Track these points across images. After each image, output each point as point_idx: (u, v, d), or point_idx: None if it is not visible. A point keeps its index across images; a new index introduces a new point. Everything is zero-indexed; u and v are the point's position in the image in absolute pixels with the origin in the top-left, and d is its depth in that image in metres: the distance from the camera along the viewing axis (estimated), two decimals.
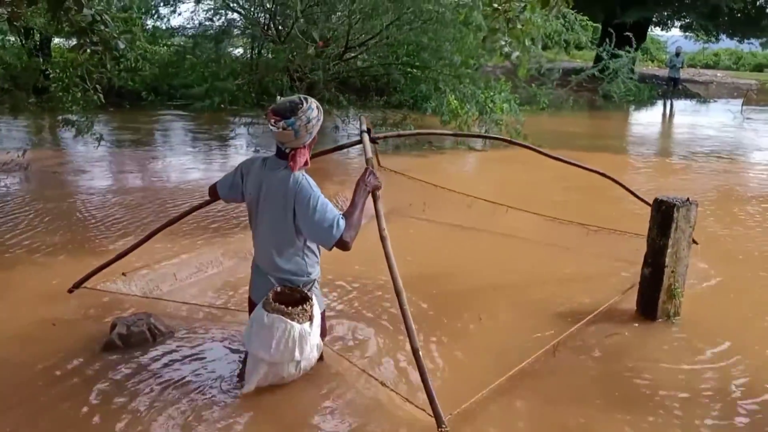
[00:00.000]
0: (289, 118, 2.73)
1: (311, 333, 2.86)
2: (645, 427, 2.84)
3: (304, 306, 2.85)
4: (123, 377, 3.09)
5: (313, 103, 2.82)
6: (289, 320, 2.78)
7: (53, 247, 4.99)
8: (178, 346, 3.40)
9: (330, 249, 2.80)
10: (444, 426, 2.62)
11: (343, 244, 2.77)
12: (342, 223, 2.76)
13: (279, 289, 2.90)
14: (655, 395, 3.08)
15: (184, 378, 3.09)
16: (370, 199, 3.04)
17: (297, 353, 2.83)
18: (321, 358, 3.13)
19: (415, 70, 11.08)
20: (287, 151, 2.82)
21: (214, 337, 3.53)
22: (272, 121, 2.74)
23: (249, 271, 3.15)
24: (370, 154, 3.33)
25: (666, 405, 3.00)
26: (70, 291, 3.95)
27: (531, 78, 11.66)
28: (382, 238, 2.99)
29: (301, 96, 2.84)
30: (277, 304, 2.81)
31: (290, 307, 2.81)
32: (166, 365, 3.21)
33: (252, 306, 3.09)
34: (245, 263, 3.97)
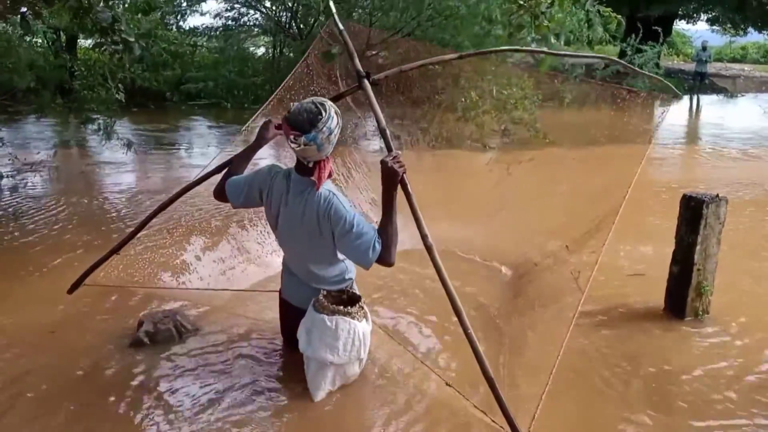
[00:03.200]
0: (310, 133, 2.56)
1: (369, 330, 2.88)
2: (674, 426, 2.79)
3: (360, 304, 2.86)
4: (150, 373, 3.12)
5: (332, 109, 2.63)
6: (351, 320, 2.78)
7: (82, 245, 5.06)
8: (204, 344, 3.42)
9: (368, 266, 2.71)
10: None
11: (383, 264, 2.69)
12: (378, 246, 2.63)
13: (325, 292, 2.89)
14: (683, 394, 3.03)
15: (210, 374, 3.11)
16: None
17: (362, 351, 2.84)
18: None
19: (436, 67, 11.02)
20: (310, 165, 2.72)
21: (240, 333, 3.53)
22: (292, 137, 2.57)
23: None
24: (378, 110, 2.87)
25: (693, 403, 2.95)
26: (69, 292, 3.59)
27: (554, 73, 11.52)
28: (427, 248, 2.60)
29: (317, 102, 2.62)
30: (333, 306, 2.80)
31: (349, 307, 2.81)
32: (191, 364, 3.22)
33: (282, 301, 3.12)
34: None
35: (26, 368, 3.15)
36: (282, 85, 4.15)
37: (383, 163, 2.66)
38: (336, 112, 2.65)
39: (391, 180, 2.65)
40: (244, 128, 3.81)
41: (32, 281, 4.37)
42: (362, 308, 2.88)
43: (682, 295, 3.76)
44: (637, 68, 4.44)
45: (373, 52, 11.05)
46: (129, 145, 7.76)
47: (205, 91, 14.38)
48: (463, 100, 10.11)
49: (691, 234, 3.67)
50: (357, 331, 2.79)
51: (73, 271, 4.38)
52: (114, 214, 6.05)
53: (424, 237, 2.59)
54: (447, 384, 2.95)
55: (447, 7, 10.08)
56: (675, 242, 3.79)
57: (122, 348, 3.35)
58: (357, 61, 3.09)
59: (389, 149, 2.74)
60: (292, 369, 3.09)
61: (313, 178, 2.72)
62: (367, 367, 3.06)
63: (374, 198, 4.74)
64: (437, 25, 10.05)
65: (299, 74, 4.27)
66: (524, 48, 5.84)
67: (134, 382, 3.04)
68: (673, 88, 4.51)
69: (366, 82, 3.02)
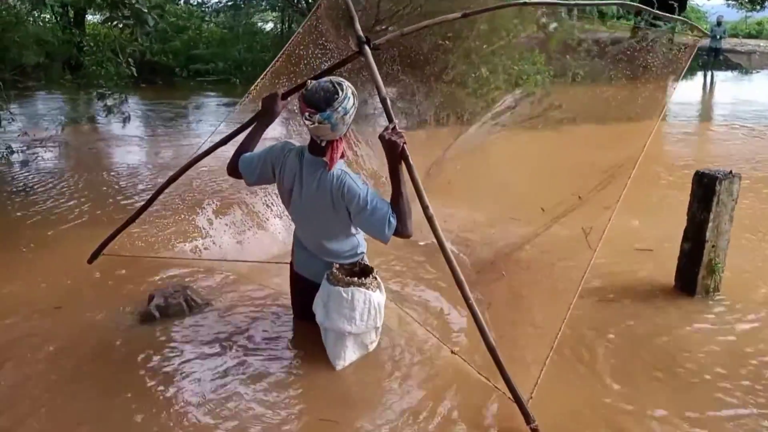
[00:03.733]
0: (325, 111, 2.55)
1: (384, 300, 2.95)
2: (685, 402, 2.78)
3: (373, 275, 2.93)
4: (162, 347, 3.15)
5: (349, 89, 2.61)
6: (366, 290, 2.85)
7: (90, 220, 5.11)
8: (215, 317, 3.45)
9: (386, 240, 2.72)
10: (534, 422, 2.45)
11: (401, 236, 2.72)
12: (393, 220, 2.65)
13: (338, 265, 2.94)
14: (691, 372, 3.02)
15: (222, 348, 3.13)
16: None
17: (378, 320, 2.93)
18: None
19: (446, 42, 10.89)
20: (323, 144, 2.71)
21: (252, 307, 3.56)
22: (306, 114, 2.57)
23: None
24: (378, 78, 2.77)
25: (703, 380, 2.95)
26: (90, 262, 3.77)
27: (566, 49, 11.37)
28: (428, 219, 2.60)
29: (335, 81, 2.61)
30: (349, 278, 2.86)
31: (363, 278, 2.88)
32: (202, 337, 3.25)
33: (294, 275, 3.15)
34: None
35: (34, 344, 3.19)
36: (283, 51, 4.06)
37: (381, 137, 2.63)
38: (353, 93, 2.64)
39: (392, 153, 2.63)
40: (245, 98, 3.78)
41: (42, 255, 4.41)
42: (375, 279, 2.94)
43: (693, 272, 3.73)
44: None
45: (382, 27, 10.93)
46: (126, 119, 7.67)
47: (213, 67, 14.32)
48: (474, 74, 10.01)
49: (704, 211, 3.63)
50: (372, 300, 2.86)
51: (81, 246, 4.42)
52: (122, 190, 6.07)
53: (425, 208, 2.59)
54: (452, 352, 3.02)
55: None
56: (687, 219, 3.76)
57: (133, 322, 3.39)
58: (358, 25, 3.02)
59: (390, 119, 2.69)
60: (303, 340, 3.14)
61: (325, 158, 2.72)
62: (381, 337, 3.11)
63: (375, 170, 4.72)
64: None
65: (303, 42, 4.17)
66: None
67: (145, 356, 3.07)
68: (698, 26, 4.38)
69: (366, 48, 2.94)
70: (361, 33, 2.97)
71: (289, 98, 3.06)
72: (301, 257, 3.10)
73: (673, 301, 3.72)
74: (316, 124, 2.58)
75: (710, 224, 3.63)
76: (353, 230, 2.95)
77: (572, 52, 11.80)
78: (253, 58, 13.88)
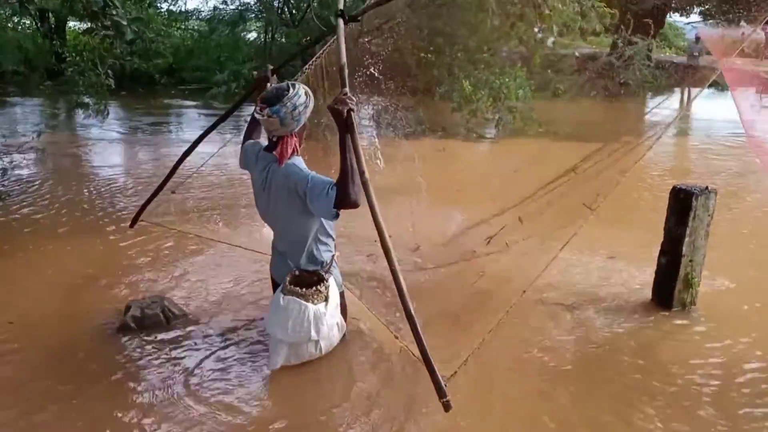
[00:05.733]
0: (274, 105, 2.68)
1: (326, 313, 2.90)
2: (658, 414, 2.80)
3: (318, 287, 2.89)
4: (139, 359, 3.11)
5: (302, 89, 2.75)
6: (303, 301, 2.84)
7: (66, 228, 5.03)
8: (192, 329, 3.41)
9: (336, 217, 2.72)
10: (446, 398, 2.30)
11: (347, 206, 2.63)
12: (332, 191, 2.62)
13: (297, 272, 2.95)
14: (668, 384, 3.04)
15: (200, 360, 3.10)
16: None
17: (313, 333, 2.89)
18: (344, 337, 3.14)
19: (429, 55, 10.99)
20: (274, 140, 2.81)
21: (229, 319, 3.53)
22: (258, 108, 2.72)
23: None
24: (344, 59, 2.75)
25: (678, 393, 2.97)
26: (131, 226, 3.97)
27: (547, 64, 11.53)
28: (363, 183, 2.50)
29: (291, 83, 2.79)
30: (292, 286, 2.87)
31: (305, 289, 2.86)
32: (181, 347, 3.22)
33: (273, 282, 3.16)
34: None
35: (5, 358, 3.13)
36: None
37: (329, 105, 2.64)
38: (306, 93, 2.75)
39: (338, 120, 2.61)
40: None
41: (12, 265, 4.33)
42: (320, 292, 2.89)
43: (669, 286, 3.78)
44: None
45: (367, 39, 10.98)
46: (106, 114, 7.58)
47: (195, 75, 14.26)
48: (457, 89, 10.09)
49: (680, 226, 3.68)
50: (308, 312, 2.84)
51: (56, 254, 4.37)
52: (100, 197, 6.00)
53: (361, 173, 2.50)
54: (395, 336, 3.02)
55: None
56: (664, 233, 3.80)
57: (109, 333, 3.33)
58: (341, 3, 3.14)
59: (342, 85, 2.68)
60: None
61: (274, 153, 2.80)
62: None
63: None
64: (431, 13, 9.99)
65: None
66: None
67: (120, 368, 3.03)
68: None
69: (340, 20, 3.00)
70: (340, 6, 3.09)
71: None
72: (274, 260, 3.13)
73: (651, 315, 3.76)
74: (266, 118, 2.70)
75: (687, 239, 3.68)
76: (312, 232, 2.92)
77: (553, 67, 11.98)
78: (236, 67, 13.85)
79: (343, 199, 2.60)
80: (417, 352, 2.30)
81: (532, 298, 3.91)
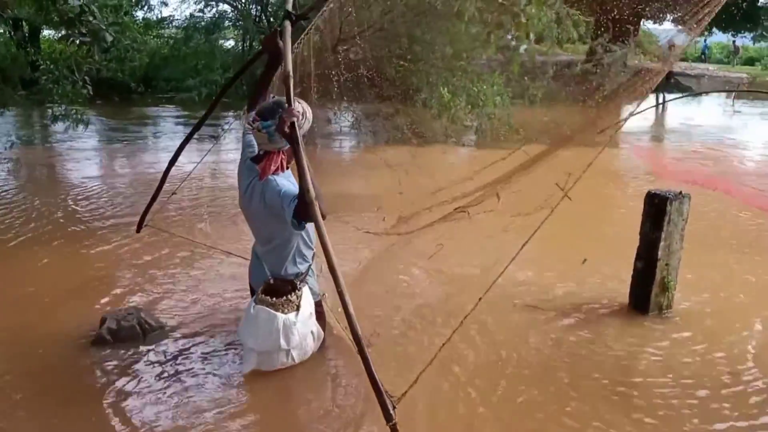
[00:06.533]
0: (267, 120, 2.68)
1: (297, 322, 2.88)
2: (633, 419, 2.82)
3: (290, 297, 2.89)
4: (114, 372, 3.05)
5: (300, 106, 2.64)
6: (272, 311, 2.84)
7: (41, 239, 4.94)
8: (168, 342, 3.36)
9: (301, 228, 2.75)
10: (392, 421, 2.19)
11: (308, 219, 2.59)
12: (293, 203, 2.63)
13: (272, 281, 2.94)
14: (647, 388, 3.07)
15: (175, 372, 3.06)
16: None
17: (283, 342, 2.87)
18: (323, 344, 3.12)
19: (407, 63, 11.03)
20: (261, 152, 2.82)
21: (206, 331, 3.49)
22: (251, 119, 2.72)
23: None
24: (289, 67, 2.58)
25: (655, 396, 2.99)
26: (138, 231, 4.04)
27: (525, 71, 11.63)
28: (309, 204, 2.36)
29: (296, 99, 2.66)
30: (263, 296, 2.88)
31: (275, 299, 2.86)
32: (157, 360, 3.17)
33: (251, 289, 3.16)
34: None
35: None
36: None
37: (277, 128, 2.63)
38: (303, 113, 2.65)
39: (284, 134, 2.57)
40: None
41: None
42: (291, 302, 2.88)
43: (646, 290, 3.82)
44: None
45: (345, 47, 10.99)
46: (86, 123, 7.46)
47: (171, 83, 14.15)
48: (435, 97, 10.15)
49: (655, 230, 3.73)
50: (277, 322, 2.83)
51: (33, 265, 4.29)
52: (76, 208, 5.91)
53: (306, 191, 2.39)
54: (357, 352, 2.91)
55: (419, 4, 10.09)
56: (639, 238, 3.85)
57: (84, 346, 3.27)
58: (290, 4, 2.99)
59: (288, 102, 2.56)
60: None
61: (258, 167, 2.82)
62: None
63: None
64: (409, 21, 10.04)
65: None
66: None
67: (94, 381, 2.98)
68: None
69: (287, 22, 2.82)
70: (289, 7, 2.93)
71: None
72: (254, 268, 3.11)
73: (628, 319, 3.80)
74: (256, 131, 2.73)
75: (662, 243, 3.72)
76: (292, 243, 2.94)
77: (531, 74, 12.10)
78: (212, 75, 13.77)
79: (300, 212, 2.61)
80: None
81: (507, 302, 3.94)
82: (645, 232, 3.81)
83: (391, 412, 2.18)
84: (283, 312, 2.85)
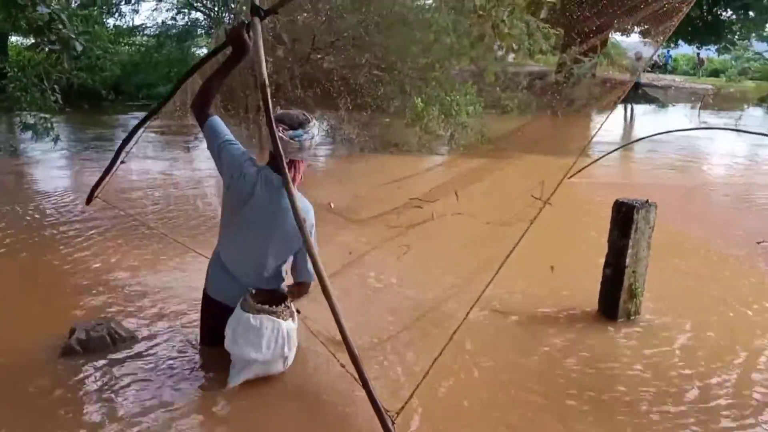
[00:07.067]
0: (297, 130, 2.80)
1: (295, 328, 2.94)
2: (601, 425, 2.87)
3: (286, 303, 2.93)
4: (83, 383, 3.00)
5: (316, 122, 2.91)
6: (276, 318, 2.85)
7: (7, 248, 4.85)
8: (139, 351, 3.32)
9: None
10: None
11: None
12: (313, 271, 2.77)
13: (254, 291, 2.94)
14: (617, 394, 3.12)
15: (145, 384, 3.01)
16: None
17: (286, 349, 2.91)
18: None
19: (380, 72, 11.10)
20: (286, 161, 2.77)
21: (177, 341, 3.44)
22: (281, 128, 2.77)
23: None
24: (264, 73, 2.65)
25: (624, 402, 3.05)
26: (87, 203, 4.09)
27: (499, 82, 11.82)
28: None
29: (305, 113, 2.92)
30: (260, 305, 2.87)
31: (275, 306, 2.88)
32: (128, 371, 3.12)
33: (208, 301, 3.11)
34: None
35: None
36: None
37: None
38: (318, 127, 2.93)
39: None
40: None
41: None
42: (288, 307, 2.94)
43: (614, 297, 3.90)
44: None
45: (319, 56, 11.03)
46: (56, 139, 7.36)
47: (143, 90, 14.01)
48: (409, 106, 10.24)
49: (623, 238, 3.81)
50: (281, 329, 2.87)
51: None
52: (41, 216, 5.81)
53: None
54: (341, 366, 2.91)
55: (393, 14, 10.19)
56: (608, 246, 3.93)
57: (52, 357, 3.22)
58: None
59: (267, 113, 2.66)
60: (223, 371, 3.05)
61: (289, 174, 2.80)
62: None
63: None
64: (383, 31, 10.12)
65: None
66: None
67: (64, 393, 2.92)
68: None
69: (256, 19, 2.82)
70: (256, 1, 2.89)
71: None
72: (220, 281, 3.08)
73: (596, 326, 3.87)
74: (289, 140, 2.79)
75: (630, 251, 3.81)
76: (285, 258, 3.04)
77: (503, 84, 12.28)
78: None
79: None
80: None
81: (476, 309, 3.96)
82: (613, 239, 3.90)
83: (391, 428, 2.36)
84: (284, 319, 2.89)
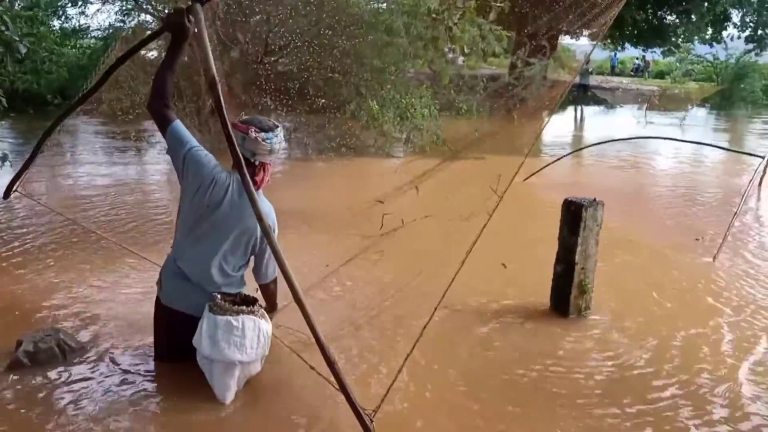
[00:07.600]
0: (268, 133, 2.91)
1: (270, 329, 2.97)
2: (553, 420, 2.93)
3: (258, 304, 2.97)
4: (32, 397, 2.91)
5: (281, 127, 3.05)
6: (256, 318, 2.86)
7: None
8: (90, 363, 3.23)
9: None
10: None
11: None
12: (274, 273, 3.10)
13: (219, 295, 2.90)
14: (568, 388, 3.20)
15: (98, 395, 2.94)
16: None
17: (266, 348, 2.94)
18: None
19: (336, 75, 11.09)
20: (256, 163, 2.91)
21: (128, 351, 3.37)
22: (252, 129, 2.86)
23: None
24: (212, 67, 2.55)
25: (577, 395, 3.12)
26: (5, 197, 4.04)
27: (453, 85, 11.96)
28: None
29: (271, 120, 3.04)
30: (237, 306, 2.86)
31: (251, 307, 2.89)
32: (79, 384, 3.04)
33: (163, 311, 3.04)
34: None
35: None
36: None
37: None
38: (284, 132, 3.11)
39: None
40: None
41: None
42: (261, 308, 2.97)
43: (565, 293, 4.00)
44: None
45: (273, 58, 10.94)
46: (4, 158, 7.09)
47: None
48: (365, 108, 10.27)
49: (572, 236, 3.92)
50: (262, 328, 2.88)
51: None
52: None
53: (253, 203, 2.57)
54: (311, 367, 2.94)
55: (348, 16, 10.22)
56: (558, 243, 4.04)
57: None
58: None
59: (220, 111, 2.54)
60: (174, 380, 3.04)
61: (257, 178, 2.93)
62: None
63: None
64: (337, 33, 10.13)
65: None
66: None
67: (11, 407, 2.83)
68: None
69: (198, 5, 2.71)
70: None
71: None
72: (177, 289, 2.99)
73: (548, 321, 3.96)
74: (261, 141, 2.88)
75: (579, 248, 3.92)
76: (246, 260, 3.09)
77: (458, 87, 12.43)
78: (135, 87, 13.35)
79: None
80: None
81: (426, 308, 4.01)
82: (563, 237, 4.00)
83: (369, 426, 2.44)
84: (262, 318, 2.90)
